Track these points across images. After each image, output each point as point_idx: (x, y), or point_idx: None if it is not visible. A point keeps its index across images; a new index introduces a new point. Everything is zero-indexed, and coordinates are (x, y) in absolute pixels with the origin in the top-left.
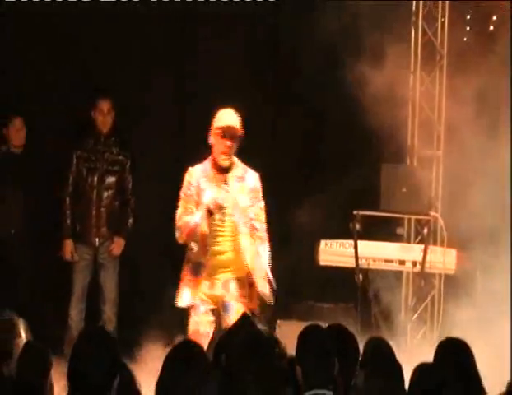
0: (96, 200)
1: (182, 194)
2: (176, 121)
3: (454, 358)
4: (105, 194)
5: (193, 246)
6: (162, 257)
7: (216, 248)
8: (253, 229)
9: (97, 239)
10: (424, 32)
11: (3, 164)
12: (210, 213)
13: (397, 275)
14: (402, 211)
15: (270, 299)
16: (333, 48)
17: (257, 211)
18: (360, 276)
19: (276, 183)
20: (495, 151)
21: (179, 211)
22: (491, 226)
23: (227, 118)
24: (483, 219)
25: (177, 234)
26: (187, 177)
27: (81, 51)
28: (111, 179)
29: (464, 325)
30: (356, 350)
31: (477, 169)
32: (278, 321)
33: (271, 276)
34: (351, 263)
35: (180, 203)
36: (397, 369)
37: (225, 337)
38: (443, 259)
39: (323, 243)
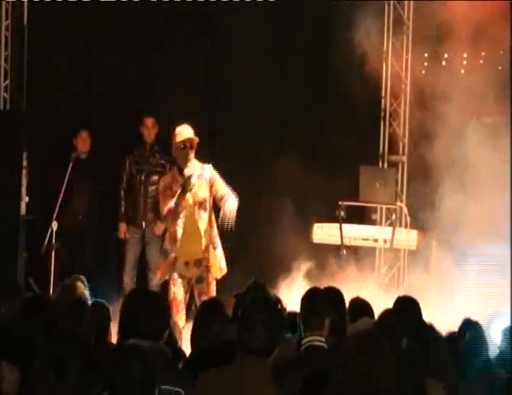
0: (143, 193)
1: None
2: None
3: (406, 307)
4: (150, 189)
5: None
6: None
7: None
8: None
9: (144, 223)
10: (392, 65)
11: (73, 166)
12: None
13: (372, 250)
14: (376, 201)
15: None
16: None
17: (218, 185)
18: (344, 251)
19: (280, 179)
20: (450, 156)
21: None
22: (445, 212)
23: (186, 132)
24: (438, 207)
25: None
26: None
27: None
28: (154, 178)
29: (422, 287)
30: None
31: (433, 170)
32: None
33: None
34: (337, 241)
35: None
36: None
37: (241, 297)
38: (407, 238)
39: (315, 226)
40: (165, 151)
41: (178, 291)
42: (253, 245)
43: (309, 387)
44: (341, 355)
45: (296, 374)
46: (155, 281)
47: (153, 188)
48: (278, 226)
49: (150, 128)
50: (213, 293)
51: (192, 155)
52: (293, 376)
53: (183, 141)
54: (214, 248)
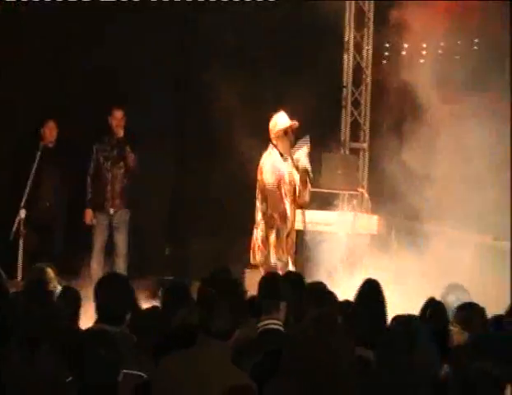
0: (111, 180)
1: None
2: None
3: (370, 290)
4: (117, 175)
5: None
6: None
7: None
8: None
9: (111, 209)
10: (354, 57)
11: (41, 155)
12: None
13: (334, 235)
14: (338, 187)
15: None
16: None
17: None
18: (308, 236)
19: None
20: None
21: None
22: (405, 198)
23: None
24: (398, 193)
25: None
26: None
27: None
28: (121, 164)
29: (383, 269)
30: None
31: (393, 156)
32: (246, 270)
33: None
34: (299, 226)
35: None
36: (336, 302)
37: (207, 280)
38: (368, 223)
39: None
40: (130, 139)
41: None
42: (219, 232)
43: (264, 369)
44: (297, 337)
45: (253, 357)
46: (270, 260)
47: (120, 173)
48: (243, 211)
49: (119, 120)
50: None
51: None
52: (250, 358)
53: (286, 129)
54: None
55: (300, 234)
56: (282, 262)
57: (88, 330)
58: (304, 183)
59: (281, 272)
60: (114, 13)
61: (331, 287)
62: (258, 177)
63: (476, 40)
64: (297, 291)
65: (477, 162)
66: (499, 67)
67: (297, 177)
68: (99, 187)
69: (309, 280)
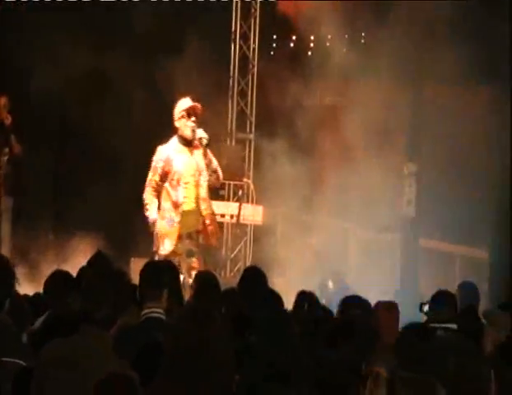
0: None
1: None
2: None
3: (251, 278)
4: (1, 161)
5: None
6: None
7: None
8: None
9: None
10: (240, 47)
11: None
12: None
13: (219, 225)
14: (223, 178)
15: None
16: None
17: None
18: None
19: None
20: (293, 134)
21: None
22: (292, 189)
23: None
24: (286, 183)
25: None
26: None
27: None
28: (6, 150)
29: (267, 260)
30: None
31: (281, 146)
32: (132, 258)
33: None
34: None
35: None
36: (219, 292)
37: (85, 269)
38: (253, 213)
39: None
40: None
41: None
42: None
43: (143, 358)
44: (173, 327)
45: (133, 345)
46: (163, 251)
47: (5, 160)
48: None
49: (2, 106)
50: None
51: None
52: (131, 347)
53: (187, 110)
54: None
55: None
56: (173, 252)
57: None
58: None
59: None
60: None
61: (217, 275)
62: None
63: (363, 34)
64: (173, 280)
65: (362, 150)
66: (386, 61)
67: (201, 161)
68: None
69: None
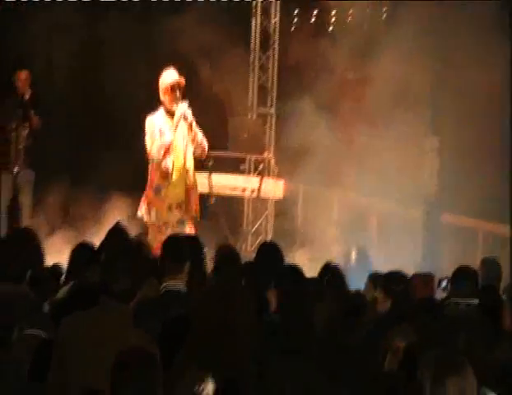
0: (15, 140)
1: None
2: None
3: (268, 252)
4: (22, 135)
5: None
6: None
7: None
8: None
9: (15, 169)
10: (261, 22)
11: None
12: None
13: (240, 200)
14: (244, 152)
15: None
16: None
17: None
18: (213, 199)
19: None
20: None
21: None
22: (313, 163)
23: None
24: (307, 157)
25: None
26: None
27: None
28: (26, 125)
29: (288, 233)
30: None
31: (302, 120)
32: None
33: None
34: (206, 190)
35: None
36: (240, 267)
37: (104, 241)
38: (273, 188)
39: None
40: (35, 100)
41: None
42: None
43: (167, 331)
44: (200, 303)
45: (155, 318)
46: (147, 219)
47: (25, 134)
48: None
49: (23, 81)
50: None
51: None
52: (152, 320)
53: (171, 85)
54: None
55: (207, 197)
56: (165, 222)
57: None
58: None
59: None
60: None
61: (238, 249)
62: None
63: (384, 9)
64: (195, 254)
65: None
66: (407, 35)
67: (186, 132)
68: (3, 146)
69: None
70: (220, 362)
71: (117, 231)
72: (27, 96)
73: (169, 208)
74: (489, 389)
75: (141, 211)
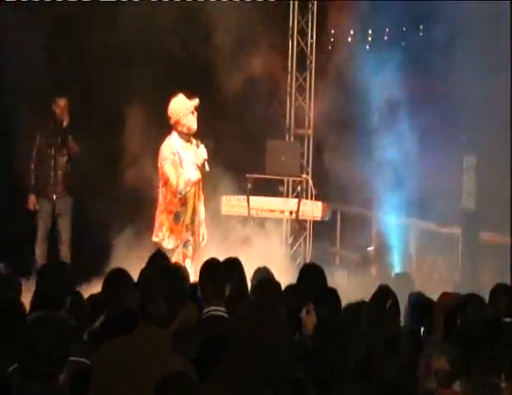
0: (54, 166)
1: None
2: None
3: (311, 275)
4: (61, 162)
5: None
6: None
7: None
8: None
9: (54, 195)
10: (298, 43)
11: None
12: None
13: (279, 222)
14: (282, 174)
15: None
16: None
17: None
18: (252, 221)
19: None
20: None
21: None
22: (350, 185)
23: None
24: (342, 180)
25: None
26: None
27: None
28: (64, 151)
29: (327, 254)
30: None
31: (338, 143)
32: None
33: None
34: (244, 213)
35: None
36: (279, 289)
37: (145, 267)
38: (312, 209)
39: (224, 198)
40: (74, 127)
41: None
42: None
43: (205, 354)
44: (234, 324)
45: (195, 342)
46: (169, 245)
47: (64, 160)
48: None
49: (62, 108)
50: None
51: None
52: (192, 344)
53: (196, 105)
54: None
55: (245, 220)
56: (179, 245)
57: (33, 316)
58: None
59: (178, 256)
60: None
61: (275, 270)
62: (158, 162)
63: (421, 26)
64: (235, 277)
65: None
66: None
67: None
68: (41, 173)
69: (254, 267)
70: (250, 382)
71: (157, 257)
72: (65, 123)
73: (186, 229)
74: None
75: (159, 236)
